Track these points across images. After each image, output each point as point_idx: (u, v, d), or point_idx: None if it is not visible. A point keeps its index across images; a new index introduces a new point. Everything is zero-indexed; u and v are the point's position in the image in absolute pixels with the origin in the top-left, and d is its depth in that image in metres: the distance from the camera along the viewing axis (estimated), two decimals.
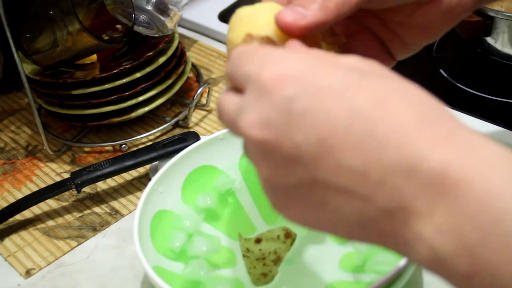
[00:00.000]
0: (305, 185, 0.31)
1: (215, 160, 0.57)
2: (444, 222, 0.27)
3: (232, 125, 0.34)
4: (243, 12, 0.39)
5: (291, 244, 0.48)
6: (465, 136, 0.29)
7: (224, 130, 0.58)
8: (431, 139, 0.28)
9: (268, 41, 0.37)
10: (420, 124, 0.29)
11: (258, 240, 0.47)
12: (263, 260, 0.47)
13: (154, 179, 0.54)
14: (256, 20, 0.38)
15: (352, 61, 0.32)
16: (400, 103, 0.30)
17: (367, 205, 0.29)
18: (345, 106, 0.29)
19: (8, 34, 0.60)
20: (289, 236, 0.48)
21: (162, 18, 0.66)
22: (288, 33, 0.36)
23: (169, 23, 0.67)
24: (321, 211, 0.31)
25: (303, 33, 0.37)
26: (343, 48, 0.41)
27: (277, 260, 0.47)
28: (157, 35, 0.69)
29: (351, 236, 0.32)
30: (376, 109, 0.29)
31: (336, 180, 0.29)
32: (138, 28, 0.67)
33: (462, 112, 0.66)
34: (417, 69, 0.70)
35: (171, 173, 0.55)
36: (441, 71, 0.73)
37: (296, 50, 0.34)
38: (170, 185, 0.55)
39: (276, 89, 0.30)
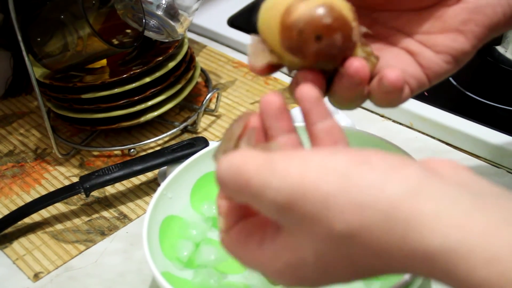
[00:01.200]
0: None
1: None
2: None
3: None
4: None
5: None
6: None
7: None
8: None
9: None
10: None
11: None
12: None
13: (163, 184, 0.54)
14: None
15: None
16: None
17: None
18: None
19: (19, 38, 0.61)
20: None
21: (172, 23, 0.66)
22: None
23: (179, 28, 0.67)
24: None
25: None
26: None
27: None
28: (167, 40, 0.69)
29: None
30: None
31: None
32: (148, 33, 0.67)
33: (471, 120, 0.66)
34: None
35: (180, 178, 0.55)
36: (451, 79, 0.73)
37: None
38: (179, 190, 0.55)
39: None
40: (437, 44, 0.41)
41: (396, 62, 0.41)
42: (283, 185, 0.30)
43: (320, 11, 0.34)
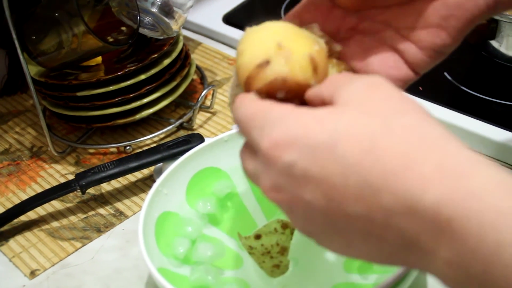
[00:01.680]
0: (328, 231, 0.34)
1: (219, 162, 0.58)
2: (450, 257, 0.29)
3: (256, 183, 0.36)
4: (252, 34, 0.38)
5: (292, 233, 0.48)
6: (454, 165, 0.30)
7: (229, 132, 0.58)
8: (421, 179, 0.30)
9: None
10: (409, 164, 0.30)
11: (257, 236, 0.48)
12: (269, 254, 0.47)
13: (158, 180, 0.54)
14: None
15: (344, 100, 0.34)
16: (387, 145, 0.31)
17: (383, 243, 0.32)
18: (337, 161, 0.32)
19: (14, 36, 0.61)
20: (286, 226, 0.48)
21: (167, 20, 0.66)
22: None
23: (174, 25, 0.67)
24: (346, 249, 0.34)
25: None
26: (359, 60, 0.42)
27: (283, 251, 0.48)
28: (162, 37, 0.69)
29: (380, 263, 0.34)
30: (365, 158, 0.31)
31: (349, 226, 0.32)
32: (143, 30, 0.67)
33: (466, 115, 0.66)
34: None
35: (175, 174, 0.55)
36: (446, 74, 0.73)
37: (288, 110, 0.35)
38: (174, 187, 0.55)
39: (275, 159, 0.33)
40: (420, 40, 0.42)
41: (382, 66, 0.43)
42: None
43: (278, 79, 0.36)
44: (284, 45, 0.36)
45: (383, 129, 0.32)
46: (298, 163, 0.33)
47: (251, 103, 0.36)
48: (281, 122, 0.34)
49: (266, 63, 0.35)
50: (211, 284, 0.50)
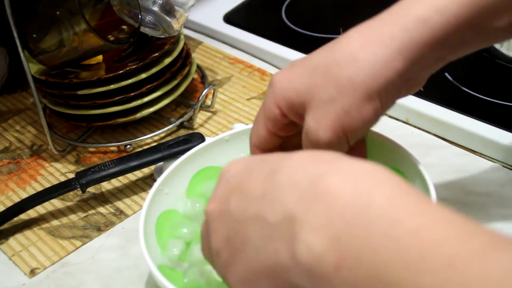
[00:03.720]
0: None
1: (220, 161, 0.57)
2: (318, 221, 0.32)
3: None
4: None
5: None
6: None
7: (230, 132, 0.58)
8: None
9: None
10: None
11: None
12: None
13: (159, 179, 0.54)
14: None
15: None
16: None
17: (264, 223, 0.35)
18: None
19: (15, 34, 0.60)
20: None
21: (168, 19, 0.66)
22: None
23: (175, 24, 0.67)
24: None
25: None
26: None
27: None
28: (163, 36, 0.69)
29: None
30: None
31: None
32: (144, 29, 0.67)
33: (467, 115, 0.66)
34: None
35: (176, 174, 0.55)
36: (446, 74, 0.73)
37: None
38: (175, 186, 0.55)
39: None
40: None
41: None
42: None
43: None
44: None
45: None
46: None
47: None
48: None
49: None
50: (204, 286, 0.49)
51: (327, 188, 0.32)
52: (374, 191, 0.32)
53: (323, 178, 0.33)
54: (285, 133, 0.46)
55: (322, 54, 0.43)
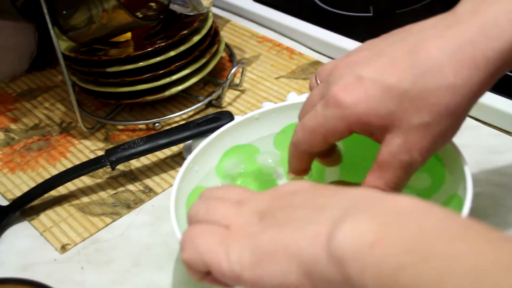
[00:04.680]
0: None
1: (250, 139, 0.57)
2: (369, 213, 0.33)
3: None
4: None
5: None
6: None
7: (260, 110, 0.57)
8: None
9: None
10: None
11: None
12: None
13: (190, 157, 0.53)
14: None
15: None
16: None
17: (317, 212, 0.35)
18: None
19: (45, 10, 0.60)
20: None
21: None
22: None
23: (205, 1, 0.66)
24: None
25: None
26: None
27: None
28: (192, 14, 0.69)
29: None
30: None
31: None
32: (173, 6, 0.67)
33: (500, 95, 0.65)
34: None
35: (206, 151, 0.55)
36: None
37: None
38: (205, 163, 0.55)
39: None
40: None
41: None
42: None
43: None
44: None
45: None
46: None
47: None
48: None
49: None
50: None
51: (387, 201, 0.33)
52: (431, 210, 0.32)
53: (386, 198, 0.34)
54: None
55: (399, 72, 0.42)
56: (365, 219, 0.31)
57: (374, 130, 0.43)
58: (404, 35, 0.44)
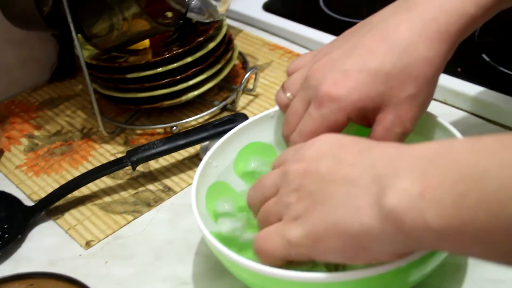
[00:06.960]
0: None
1: (265, 137, 0.60)
2: (406, 169, 0.36)
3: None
4: None
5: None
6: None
7: (274, 109, 0.60)
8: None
9: None
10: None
11: None
12: None
13: (209, 153, 0.56)
14: None
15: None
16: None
17: (352, 184, 0.38)
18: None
19: (69, 19, 0.64)
20: None
21: (213, 2, 0.69)
22: None
23: (221, 8, 0.69)
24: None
25: None
26: None
27: None
28: (207, 21, 0.72)
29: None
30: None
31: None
32: (190, 14, 0.70)
33: (503, 94, 0.67)
34: (459, 55, 0.71)
35: (224, 148, 0.58)
36: (483, 56, 0.74)
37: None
38: (223, 159, 0.57)
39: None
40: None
41: None
42: None
43: None
44: None
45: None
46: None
47: None
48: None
49: None
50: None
51: (413, 150, 0.37)
52: (454, 143, 0.36)
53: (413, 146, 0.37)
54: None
55: (380, 57, 0.47)
56: (402, 177, 0.35)
57: (368, 113, 0.48)
58: (369, 27, 0.49)
